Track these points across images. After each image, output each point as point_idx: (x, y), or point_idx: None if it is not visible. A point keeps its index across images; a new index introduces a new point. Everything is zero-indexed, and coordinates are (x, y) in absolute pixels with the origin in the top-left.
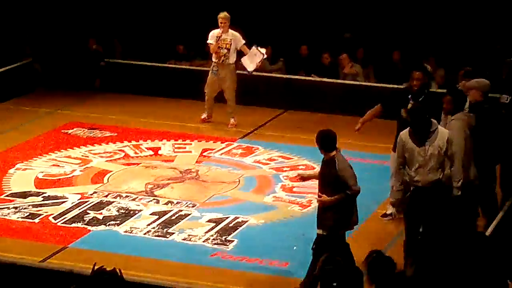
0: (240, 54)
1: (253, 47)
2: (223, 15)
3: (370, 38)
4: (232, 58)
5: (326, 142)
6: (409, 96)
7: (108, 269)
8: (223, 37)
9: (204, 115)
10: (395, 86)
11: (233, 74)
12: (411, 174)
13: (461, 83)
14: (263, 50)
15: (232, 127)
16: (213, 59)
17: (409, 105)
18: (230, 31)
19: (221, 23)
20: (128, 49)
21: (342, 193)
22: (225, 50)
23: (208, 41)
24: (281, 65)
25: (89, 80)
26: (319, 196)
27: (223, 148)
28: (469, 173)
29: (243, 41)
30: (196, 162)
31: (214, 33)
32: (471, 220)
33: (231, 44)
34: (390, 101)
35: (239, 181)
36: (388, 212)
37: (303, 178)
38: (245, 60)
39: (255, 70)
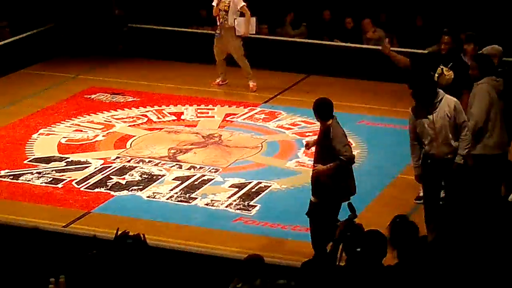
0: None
1: (254, 18)
2: None
3: (393, 2)
4: (231, 20)
5: (322, 110)
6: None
7: (131, 234)
8: None
9: (218, 79)
10: (418, 51)
11: (234, 36)
12: (425, 148)
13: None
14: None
15: (252, 90)
16: (218, 23)
17: (438, 70)
18: None
19: None
20: (151, 13)
21: (336, 160)
22: (224, 12)
23: (212, 4)
24: (304, 30)
25: (112, 45)
26: (314, 166)
27: (246, 113)
28: (497, 139)
29: (243, 3)
30: (219, 127)
31: None
32: (495, 186)
33: (229, 6)
34: (420, 62)
35: (261, 146)
36: (421, 194)
37: (309, 146)
38: (238, 23)
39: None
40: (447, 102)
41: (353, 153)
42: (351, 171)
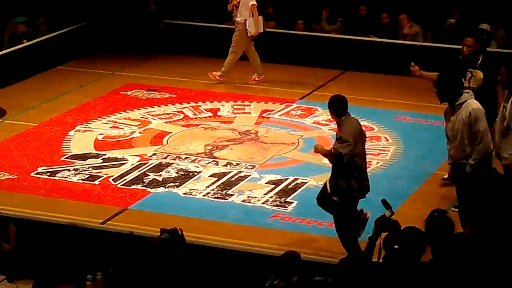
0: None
1: (261, 17)
2: None
3: None
4: (240, 16)
5: (336, 107)
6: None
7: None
8: None
9: (254, 75)
10: (455, 46)
11: (241, 32)
12: (448, 147)
13: None
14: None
15: (215, 79)
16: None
17: (468, 74)
18: None
19: None
20: (187, 9)
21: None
22: (235, 7)
23: None
24: (340, 25)
25: (148, 41)
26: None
27: (282, 109)
28: None
29: (253, 2)
30: (255, 123)
31: None
32: None
33: (239, 2)
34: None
35: (298, 142)
36: (445, 177)
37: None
38: (248, 23)
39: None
40: (467, 107)
41: (346, 153)
42: (364, 172)
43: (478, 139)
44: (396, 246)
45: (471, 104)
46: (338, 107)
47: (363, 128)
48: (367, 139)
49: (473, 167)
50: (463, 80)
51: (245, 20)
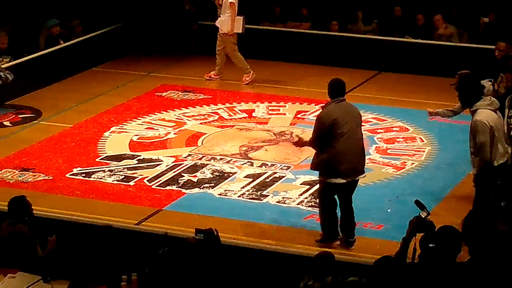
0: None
1: (241, 17)
2: None
3: None
4: (222, 14)
5: (329, 88)
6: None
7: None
8: None
9: (211, 72)
10: (490, 46)
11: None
12: None
13: None
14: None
15: (244, 83)
16: None
17: (499, 78)
18: None
19: None
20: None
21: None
22: (218, 6)
23: None
24: (375, 26)
25: (183, 42)
26: None
27: (317, 110)
28: None
29: (231, 0)
30: (290, 124)
31: None
32: None
33: (223, 0)
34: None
35: None
36: None
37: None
38: (220, 21)
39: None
40: (473, 117)
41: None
42: (347, 154)
43: (478, 150)
44: (431, 245)
45: (477, 115)
46: (330, 89)
47: (359, 115)
48: (401, 139)
49: (476, 177)
50: (494, 82)
51: (219, 16)
